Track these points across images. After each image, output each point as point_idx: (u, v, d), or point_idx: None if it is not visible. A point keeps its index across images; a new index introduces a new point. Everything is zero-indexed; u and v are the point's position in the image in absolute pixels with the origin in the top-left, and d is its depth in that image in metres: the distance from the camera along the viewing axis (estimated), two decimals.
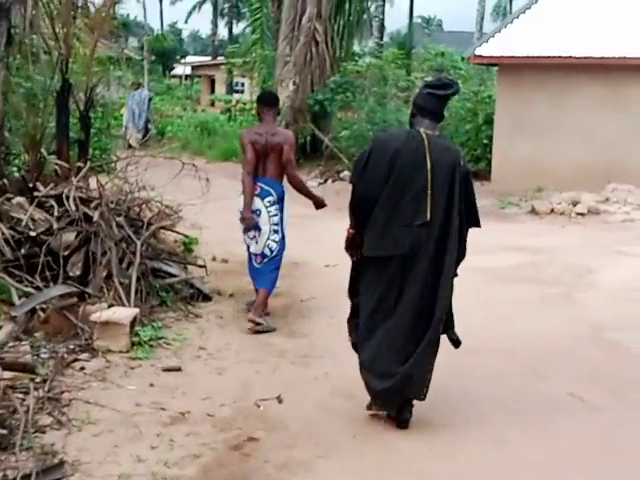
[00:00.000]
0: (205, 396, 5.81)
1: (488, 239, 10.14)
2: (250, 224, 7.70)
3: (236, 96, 38.13)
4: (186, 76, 56.85)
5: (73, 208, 7.59)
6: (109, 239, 7.45)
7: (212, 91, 47.40)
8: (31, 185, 8.01)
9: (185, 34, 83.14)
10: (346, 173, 18.11)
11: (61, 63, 9.32)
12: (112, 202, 8.17)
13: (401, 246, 5.28)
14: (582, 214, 14.90)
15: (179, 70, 59.50)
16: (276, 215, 7.76)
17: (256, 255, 7.86)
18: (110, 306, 6.87)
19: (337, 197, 12.09)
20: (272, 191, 7.71)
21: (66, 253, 7.32)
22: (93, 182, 8.74)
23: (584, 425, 5.63)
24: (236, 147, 21.62)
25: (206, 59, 57.03)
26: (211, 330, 7.43)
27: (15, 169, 10.00)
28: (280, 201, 7.78)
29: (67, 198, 7.69)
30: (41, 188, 7.98)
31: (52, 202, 7.76)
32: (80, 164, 8.92)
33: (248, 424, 5.39)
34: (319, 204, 8.06)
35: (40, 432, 4.97)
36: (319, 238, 8.20)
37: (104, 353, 6.39)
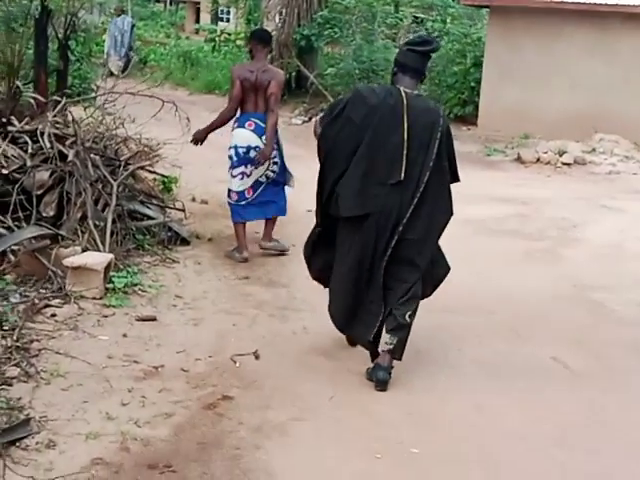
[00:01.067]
0: (180, 349, 5.63)
1: (473, 188, 9.99)
2: (198, 140, 7.99)
3: (221, 25, 37.37)
4: (171, 1, 55.77)
5: (48, 145, 7.30)
6: (84, 179, 7.18)
7: (197, 19, 46.43)
8: (5, 120, 7.69)
9: None
10: None
11: None
12: (89, 140, 7.88)
13: (377, 204, 5.24)
14: (568, 164, 14.68)
15: None
16: (274, 150, 7.72)
17: (243, 191, 7.76)
18: (84, 250, 6.64)
19: None
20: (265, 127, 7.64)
21: (39, 192, 7.05)
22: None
23: (566, 392, 5.51)
24: (219, 79, 21.34)
25: None
26: (188, 277, 7.22)
27: None
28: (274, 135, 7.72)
29: (42, 134, 7.39)
30: (15, 122, 7.66)
31: (26, 138, 7.46)
32: (57, 97, 8.58)
33: (223, 381, 5.23)
34: (262, 155, 7.63)
35: (7, 385, 4.76)
36: (301, 180, 7.96)
37: (77, 299, 6.14)
